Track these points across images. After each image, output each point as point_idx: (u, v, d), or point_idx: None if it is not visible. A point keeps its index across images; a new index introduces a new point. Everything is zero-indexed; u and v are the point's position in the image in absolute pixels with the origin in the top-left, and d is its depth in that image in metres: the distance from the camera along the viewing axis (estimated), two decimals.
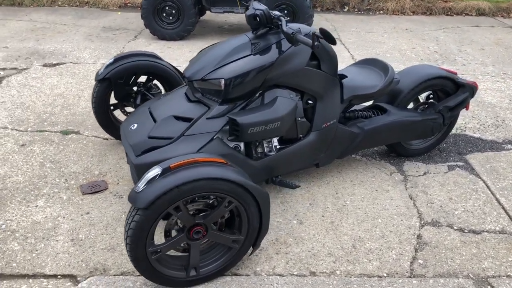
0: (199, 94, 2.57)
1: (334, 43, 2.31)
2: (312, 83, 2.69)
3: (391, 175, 3.16)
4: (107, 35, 6.02)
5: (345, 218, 2.71)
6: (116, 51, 5.40)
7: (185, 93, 2.68)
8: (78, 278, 2.26)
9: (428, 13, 7.81)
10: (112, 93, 3.16)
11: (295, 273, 2.32)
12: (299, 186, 2.91)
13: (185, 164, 1.98)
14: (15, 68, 4.79)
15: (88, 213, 2.70)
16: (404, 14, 7.77)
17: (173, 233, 2.14)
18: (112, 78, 3.06)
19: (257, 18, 2.53)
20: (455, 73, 3.33)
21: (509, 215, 2.78)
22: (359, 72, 3.06)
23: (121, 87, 3.14)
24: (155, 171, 1.97)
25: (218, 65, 2.50)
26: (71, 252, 2.41)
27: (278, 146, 2.71)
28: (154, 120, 2.55)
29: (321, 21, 7.12)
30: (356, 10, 7.85)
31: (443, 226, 2.68)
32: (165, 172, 1.95)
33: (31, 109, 3.91)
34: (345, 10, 7.80)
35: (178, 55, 5.36)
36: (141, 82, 3.24)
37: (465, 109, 3.36)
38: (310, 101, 2.76)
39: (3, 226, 2.57)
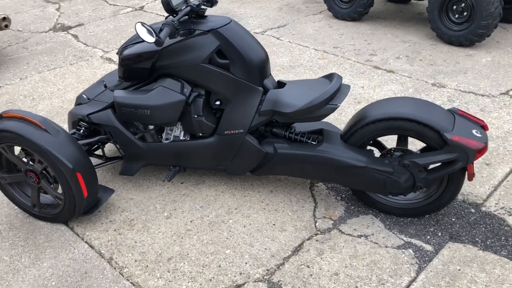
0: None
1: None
2: (213, 83, 2.49)
3: (318, 219, 2.57)
4: (299, 7, 6.24)
5: (204, 234, 2.51)
6: (281, 24, 5.64)
7: None
8: None
9: None
10: None
11: (102, 251, 2.44)
12: (166, 180, 2.80)
13: (13, 117, 2.40)
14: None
15: None
16: None
17: None
18: None
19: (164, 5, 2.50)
20: (481, 123, 2.29)
21: None
22: (308, 86, 2.53)
23: None
24: None
25: (128, 44, 2.65)
26: None
27: (180, 138, 2.68)
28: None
29: None
30: None
31: None
32: None
33: None
34: None
35: (327, 36, 5.17)
36: None
37: (467, 178, 2.29)
38: (217, 102, 2.57)
39: None
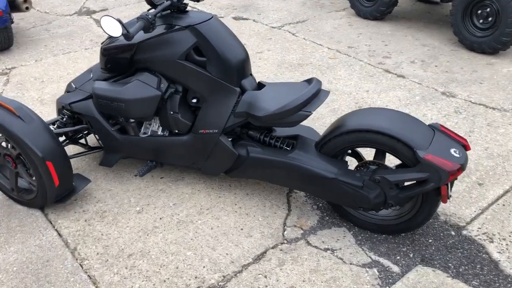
0: None
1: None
2: (189, 80, 2.45)
3: (287, 227, 2.49)
4: (323, 2, 6.06)
5: (169, 232, 2.49)
6: (300, 19, 5.50)
7: None
8: None
9: None
10: None
11: (68, 240, 2.46)
12: (138, 176, 2.70)
13: None
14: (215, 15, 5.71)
15: None
16: None
17: None
18: None
19: None
20: (463, 142, 2.15)
21: None
22: (285, 90, 2.43)
23: None
24: None
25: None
26: None
27: (158, 133, 2.66)
28: None
29: None
30: None
31: None
32: None
33: None
34: None
35: (344, 34, 5.00)
36: None
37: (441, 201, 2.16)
38: (194, 100, 2.52)
39: None
